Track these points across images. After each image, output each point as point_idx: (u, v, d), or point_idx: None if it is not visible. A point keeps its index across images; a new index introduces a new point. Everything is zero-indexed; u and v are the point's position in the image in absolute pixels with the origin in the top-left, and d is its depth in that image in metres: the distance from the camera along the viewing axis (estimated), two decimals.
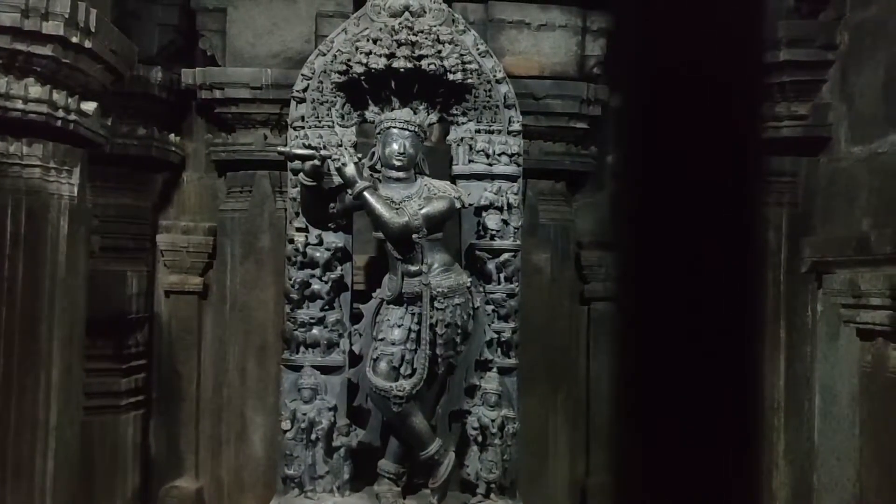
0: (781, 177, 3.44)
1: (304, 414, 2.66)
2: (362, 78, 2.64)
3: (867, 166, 3.12)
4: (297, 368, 2.72)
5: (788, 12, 3.41)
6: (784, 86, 3.36)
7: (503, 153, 2.76)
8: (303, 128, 2.74)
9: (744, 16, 0.52)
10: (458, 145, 2.79)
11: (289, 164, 2.70)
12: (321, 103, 2.75)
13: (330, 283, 2.71)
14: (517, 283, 2.77)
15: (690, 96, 0.52)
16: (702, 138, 0.53)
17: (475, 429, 2.67)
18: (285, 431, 2.67)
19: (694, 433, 0.61)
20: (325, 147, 2.64)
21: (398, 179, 2.62)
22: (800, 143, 3.41)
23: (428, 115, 2.71)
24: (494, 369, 2.72)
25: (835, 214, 3.32)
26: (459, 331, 2.59)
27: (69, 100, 2.51)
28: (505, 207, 2.75)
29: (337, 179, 2.61)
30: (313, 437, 2.65)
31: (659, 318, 0.55)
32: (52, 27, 2.34)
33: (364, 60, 2.60)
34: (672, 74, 0.52)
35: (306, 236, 2.71)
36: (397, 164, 2.61)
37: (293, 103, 2.77)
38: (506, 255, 2.75)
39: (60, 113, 2.48)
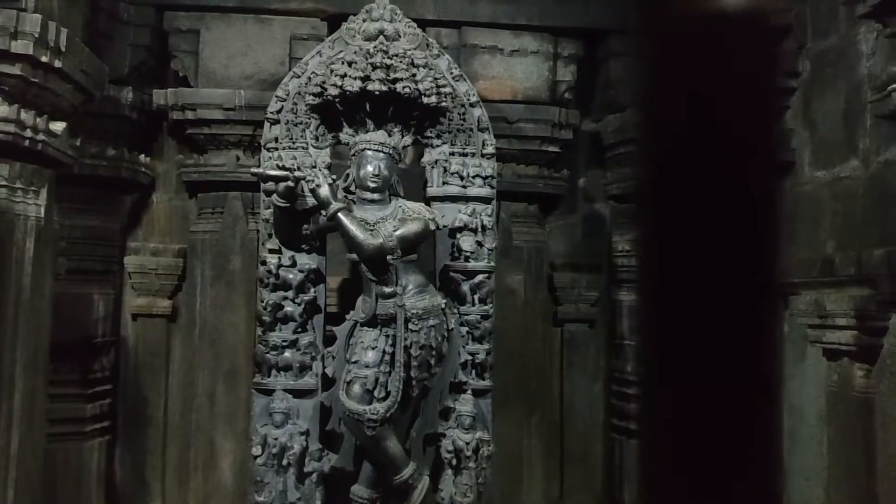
0: None
1: (276, 439, 2.61)
2: (337, 100, 2.65)
3: (830, 190, 3.21)
4: (268, 392, 2.68)
5: None
6: None
7: (477, 175, 2.78)
8: (276, 149, 2.74)
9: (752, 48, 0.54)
10: (433, 167, 2.80)
11: (262, 185, 2.69)
12: (295, 125, 2.75)
13: (303, 305, 2.69)
14: (491, 305, 2.78)
15: (687, 117, 0.53)
16: (685, 160, 0.54)
17: (449, 452, 2.65)
18: (256, 457, 2.62)
19: (676, 455, 0.61)
20: (299, 168, 2.64)
21: (373, 201, 2.62)
22: None
23: (402, 137, 2.72)
24: (469, 391, 2.72)
25: (800, 237, 3.39)
26: (434, 353, 2.58)
27: (38, 119, 2.47)
28: (479, 229, 2.77)
29: (311, 201, 2.61)
30: (285, 462, 2.60)
31: (644, 339, 0.56)
32: (21, 46, 2.31)
33: (339, 83, 2.61)
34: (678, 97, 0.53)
35: (279, 258, 2.69)
36: (372, 185, 2.62)
37: (267, 124, 2.77)
38: (480, 277, 2.76)
39: (28, 133, 2.43)
